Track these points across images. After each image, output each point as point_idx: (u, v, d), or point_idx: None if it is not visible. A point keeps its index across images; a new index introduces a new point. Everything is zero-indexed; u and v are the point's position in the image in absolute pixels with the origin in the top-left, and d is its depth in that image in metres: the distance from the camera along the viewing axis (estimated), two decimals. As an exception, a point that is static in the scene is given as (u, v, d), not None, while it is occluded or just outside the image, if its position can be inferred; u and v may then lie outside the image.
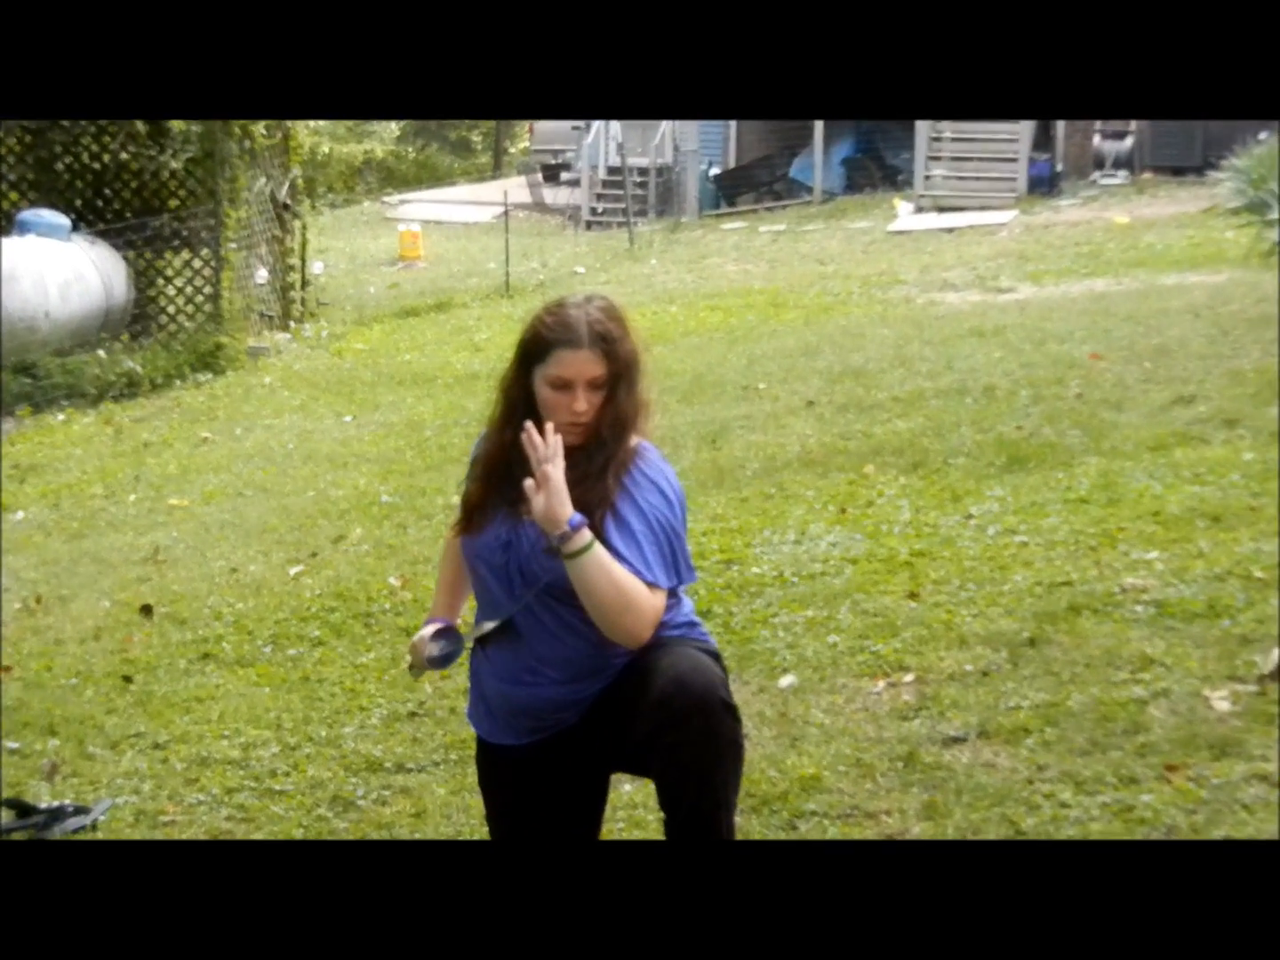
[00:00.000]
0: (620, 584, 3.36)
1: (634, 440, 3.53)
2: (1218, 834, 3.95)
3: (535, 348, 3.50)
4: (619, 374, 3.48)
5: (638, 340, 3.56)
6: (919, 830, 4.19)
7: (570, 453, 3.43)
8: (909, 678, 5.28)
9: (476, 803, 4.74)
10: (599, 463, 3.47)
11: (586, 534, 3.34)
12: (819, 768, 4.64)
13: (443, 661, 3.72)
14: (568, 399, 3.45)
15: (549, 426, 3.39)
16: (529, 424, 3.40)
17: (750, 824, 4.32)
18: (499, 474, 3.56)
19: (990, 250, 18.86)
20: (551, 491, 3.32)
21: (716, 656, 3.63)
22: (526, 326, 3.55)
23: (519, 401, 3.54)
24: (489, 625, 3.56)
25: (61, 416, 13.14)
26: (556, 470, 3.34)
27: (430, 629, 3.74)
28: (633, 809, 4.50)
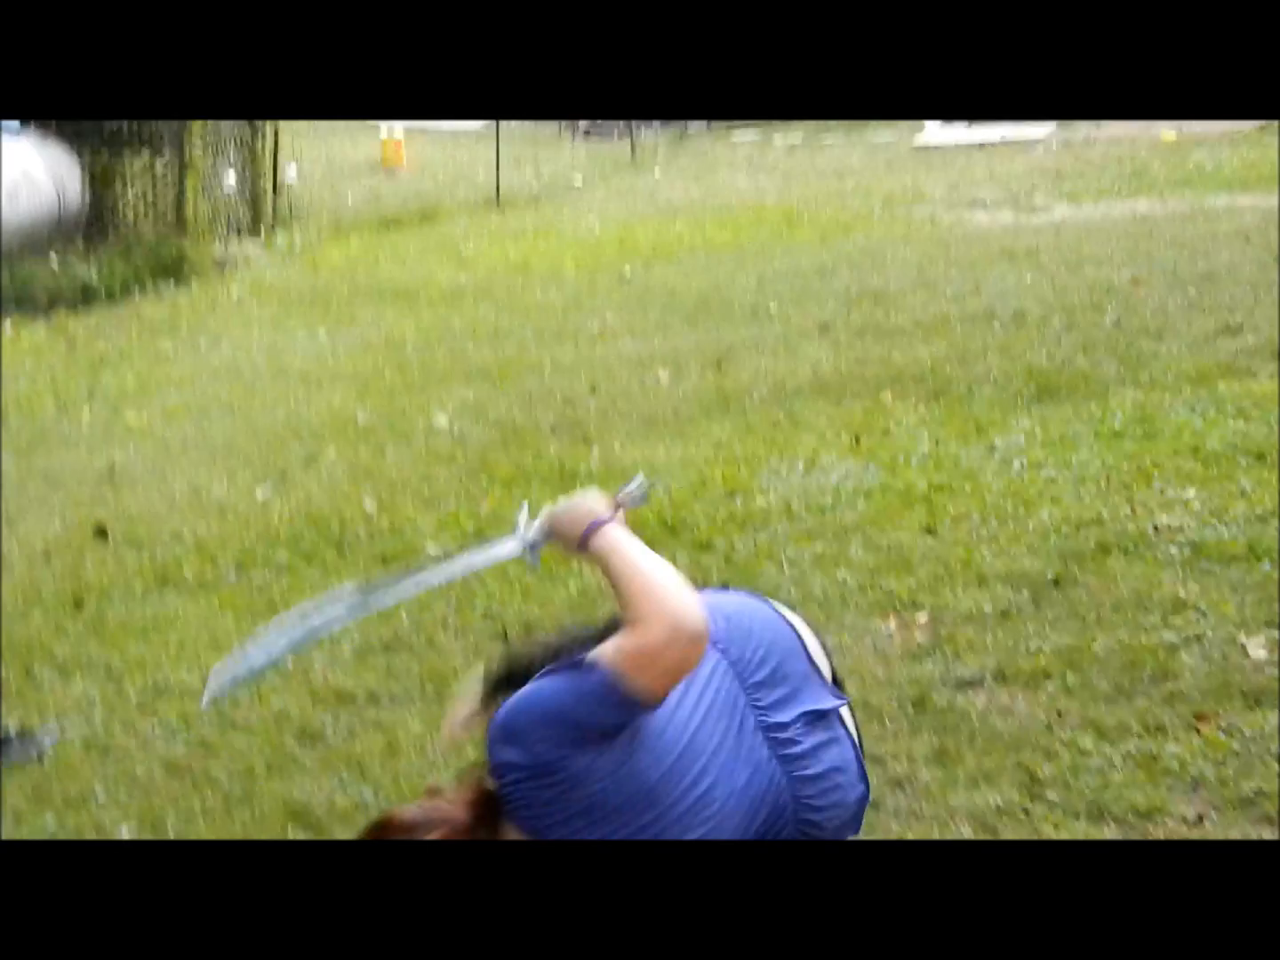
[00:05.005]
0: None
1: None
2: (1248, 787, 4.02)
3: None
4: None
5: None
6: (927, 776, 4.25)
7: None
8: (923, 617, 5.34)
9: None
10: None
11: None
12: (824, 709, 4.68)
13: None
14: None
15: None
16: None
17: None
18: None
19: (1024, 167, 18.83)
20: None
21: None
22: None
23: None
24: None
25: (9, 327, 13.14)
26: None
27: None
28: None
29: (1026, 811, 4.02)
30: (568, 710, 2.79)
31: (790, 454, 7.34)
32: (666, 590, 2.78)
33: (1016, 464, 6.83)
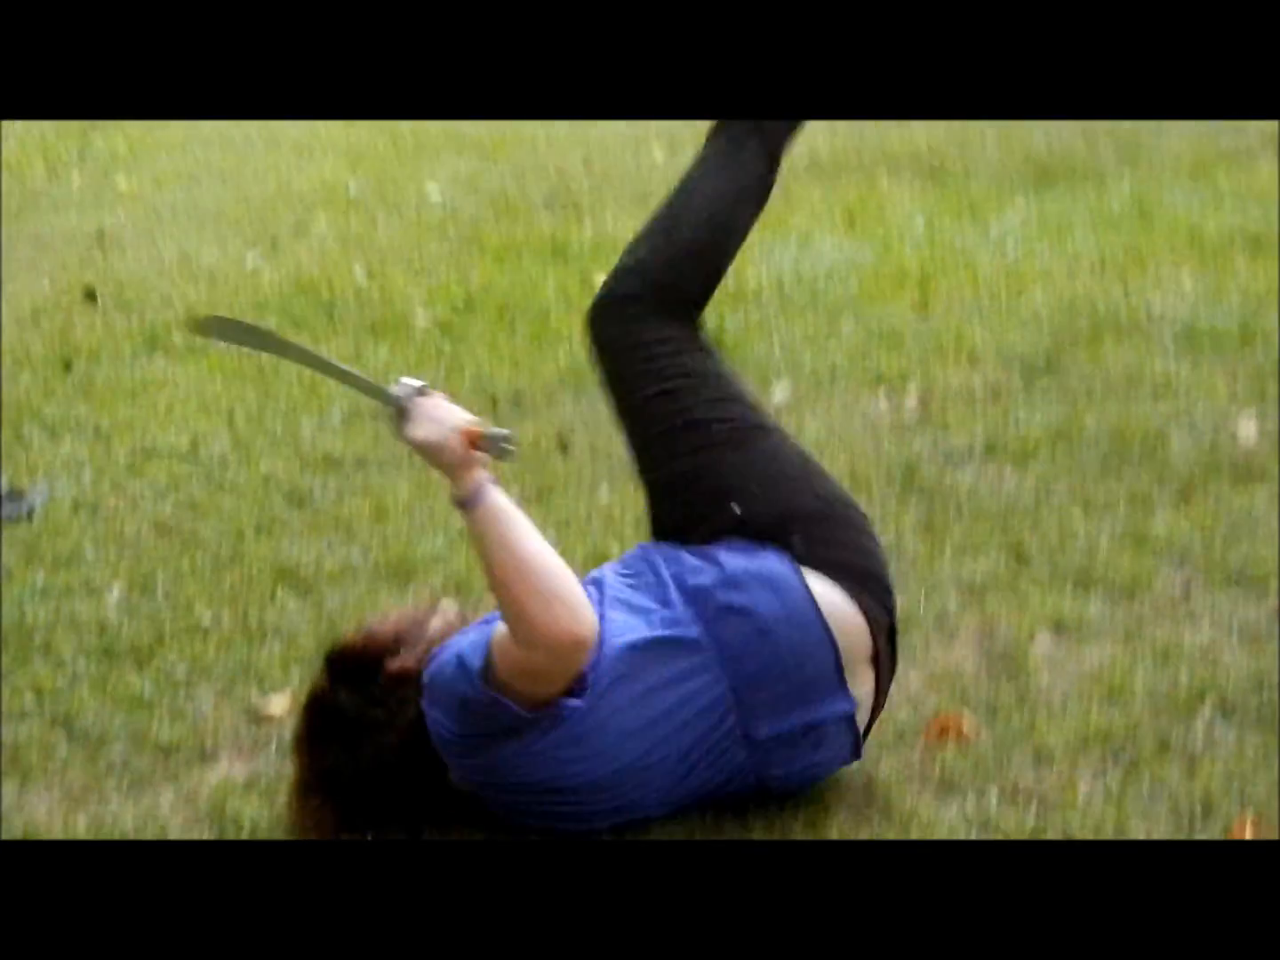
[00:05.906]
0: None
1: None
2: (1234, 557, 4.02)
3: None
4: None
5: None
6: (915, 546, 4.25)
7: None
8: (913, 393, 5.31)
9: (440, 506, 4.80)
10: None
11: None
12: (811, 481, 4.67)
13: None
14: None
15: None
16: None
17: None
18: None
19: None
20: None
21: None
22: None
23: None
24: None
25: None
26: None
27: None
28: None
29: (1013, 579, 4.02)
30: (469, 717, 2.83)
31: (783, 233, 7.25)
32: (541, 608, 2.69)
33: (1011, 247, 6.77)
